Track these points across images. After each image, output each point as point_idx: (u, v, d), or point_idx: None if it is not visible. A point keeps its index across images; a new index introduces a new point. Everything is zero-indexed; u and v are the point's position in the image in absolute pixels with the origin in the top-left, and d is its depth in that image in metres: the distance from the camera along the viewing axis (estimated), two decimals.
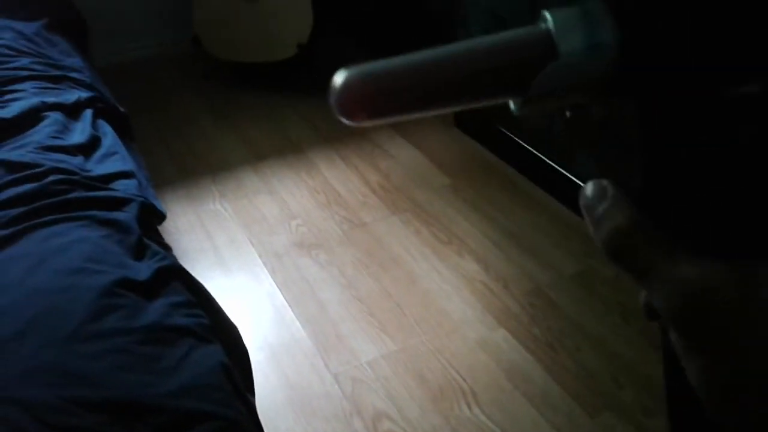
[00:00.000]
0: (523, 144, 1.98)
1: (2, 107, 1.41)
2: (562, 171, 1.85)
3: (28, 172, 1.21)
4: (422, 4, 2.32)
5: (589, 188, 0.26)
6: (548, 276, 1.67)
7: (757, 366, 0.21)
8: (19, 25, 1.79)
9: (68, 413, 0.82)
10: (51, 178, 1.20)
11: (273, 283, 1.70)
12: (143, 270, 1.07)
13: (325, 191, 2.01)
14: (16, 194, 1.16)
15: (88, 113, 1.49)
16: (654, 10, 0.22)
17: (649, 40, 0.22)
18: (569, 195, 1.84)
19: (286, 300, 1.65)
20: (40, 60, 1.66)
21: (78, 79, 1.62)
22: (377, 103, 0.24)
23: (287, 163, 2.14)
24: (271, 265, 1.76)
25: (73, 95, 1.52)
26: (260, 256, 1.79)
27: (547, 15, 0.23)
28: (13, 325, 0.93)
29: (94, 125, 1.46)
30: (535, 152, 1.94)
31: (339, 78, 0.24)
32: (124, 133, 1.58)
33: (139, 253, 1.12)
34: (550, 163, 1.89)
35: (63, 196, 1.17)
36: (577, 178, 1.81)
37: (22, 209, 1.12)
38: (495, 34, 0.24)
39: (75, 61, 1.75)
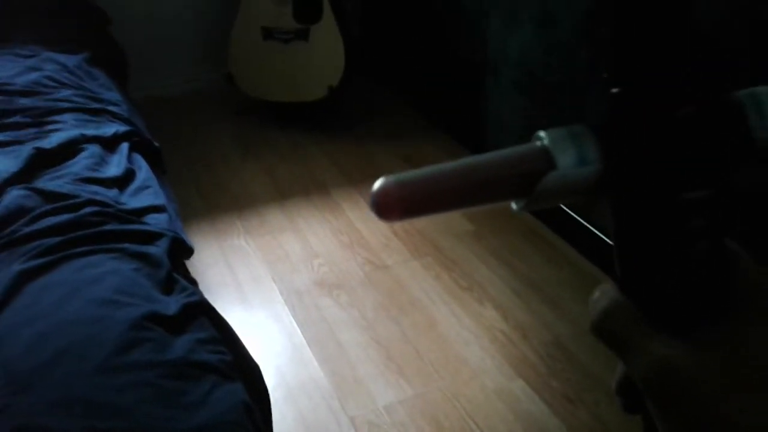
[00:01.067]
0: None
1: (43, 137, 1.45)
2: (585, 223, 1.86)
3: (66, 202, 1.24)
4: (452, 52, 2.37)
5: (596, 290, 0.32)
6: (568, 328, 1.66)
7: None
8: (62, 58, 1.86)
9: None
10: (87, 209, 1.23)
11: (293, 322, 1.71)
12: (171, 305, 1.09)
13: (349, 232, 2.03)
14: (53, 224, 1.19)
15: (125, 147, 1.53)
16: (626, 138, 0.28)
17: (623, 159, 0.28)
18: (591, 247, 1.84)
19: (305, 339, 1.66)
20: (81, 93, 1.71)
21: (116, 113, 1.67)
22: (409, 205, 0.28)
23: (312, 203, 2.17)
24: (292, 303, 1.78)
25: (111, 128, 1.56)
26: (281, 294, 1.81)
27: (543, 134, 0.29)
28: (45, 353, 0.95)
29: (129, 158, 1.50)
30: (569, 211, 1.95)
31: (378, 184, 0.28)
32: (156, 166, 1.61)
33: (167, 287, 1.14)
34: (573, 214, 1.90)
35: (97, 228, 1.20)
36: (600, 231, 1.81)
37: (58, 239, 1.15)
38: (505, 149, 0.29)
39: (114, 95, 1.80)
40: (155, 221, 1.31)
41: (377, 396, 1.50)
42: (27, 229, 1.18)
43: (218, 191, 2.23)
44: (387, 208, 0.28)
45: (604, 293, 0.31)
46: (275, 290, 1.82)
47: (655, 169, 0.28)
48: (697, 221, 0.28)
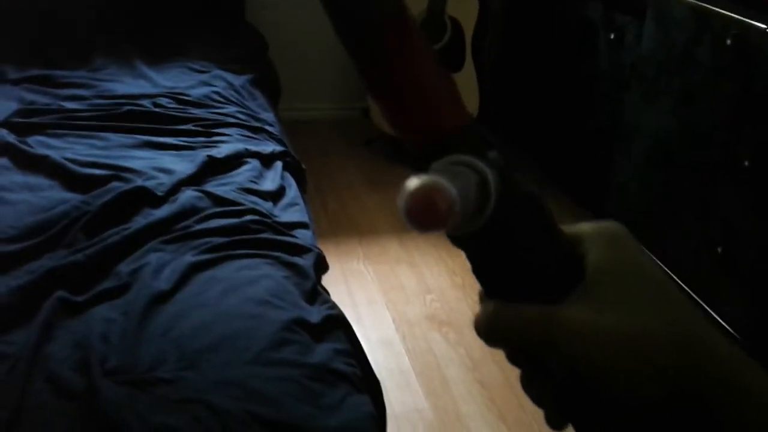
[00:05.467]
0: (665, 269, 2.00)
1: (213, 146, 1.62)
2: (705, 306, 1.86)
3: (231, 208, 1.39)
4: (586, 117, 2.43)
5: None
6: None
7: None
8: (230, 76, 2.05)
9: (247, 426, 0.94)
10: (248, 217, 1.37)
11: (402, 350, 1.80)
12: (314, 314, 1.20)
13: (462, 274, 2.11)
14: (220, 225, 1.33)
15: (279, 165, 1.68)
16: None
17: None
18: None
19: (412, 367, 1.74)
20: (244, 110, 1.89)
21: (272, 133, 1.83)
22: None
23: (430, 241, 2.27)
24: (403, 331, 1.87)
25: (269, 147, 1.72)
26: (394, 321, 1.90)
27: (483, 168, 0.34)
28: (209, 338, 1.07)
29: (282, 176, 1.65)
30: (677, 280, 1.96)
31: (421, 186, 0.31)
32: (300, 185, 1.76)
33: (312, 297, 1.26)
34: (692, 294, 1.90)
35: (256, 235, 1.33)
36: (721, 317, 1.81)
37: (223, 239, 1.30)
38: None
39: (270, 115, 1.97)
40: (302, 236, 1.44)
41: None
42: (198, 227, 1.32)
43: (343, 216, 2.37)
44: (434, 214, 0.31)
45: (485, 306, 0.37)
46: (389, 318, 1.92)
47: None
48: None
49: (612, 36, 2.21)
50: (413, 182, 0.31)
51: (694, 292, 1.88)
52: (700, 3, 1.80)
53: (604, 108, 2.30)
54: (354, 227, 2.31)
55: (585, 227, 0.39)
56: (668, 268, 1.99)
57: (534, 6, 2.82)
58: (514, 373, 1.59)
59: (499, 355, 1.94)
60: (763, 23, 1.60)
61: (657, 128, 2.02)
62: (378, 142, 2.79)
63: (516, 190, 0.36)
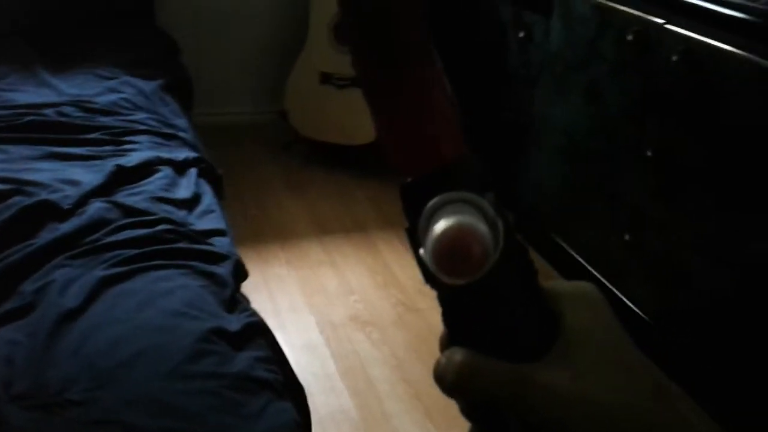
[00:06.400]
0: (576, 257, 2.07)
1: (123, 155, 1.57)
2: (615, 291, 1.94)
3: (143, 218, 1.35)
4: (499, 113, 2.48)
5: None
6: None
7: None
8: (139, 82, 1.99)
9: None
10: (161, 227, 1.34)
11: (327, 353, 1.79)
12: (234, 322, 1.18)
13: (384, 273, 2.12)
14: (131, 237, 1.29)
15: (193, 172, 1.64)
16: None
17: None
18: (623, 317, 1.91)
19: (337, 370, 1.74)
20: (155, 117, 1.84)
21: (185, 139, 1.79)
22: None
23: (351, 241, 2.27)
24: (327, 334, 1.86)
25: (182, 153, 1.68)
26: (317, 324, 1.89)
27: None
28: (123, 354, 1.04)
29: (196, 183, 1.61)
30: (589, 267, 2.03)
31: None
32: (217, 192, 1.72)
33: (231, 306, 1.23)
34: (603, 280, 1.97)
35: (171, 245, 1.30)
36: (630, 301, 1.89)
37: (135, 251, 1.26)
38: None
39: (182, 121, 1.93)
40: (220, 244, 1.41)
41: None
42: (108, 240, 1.28)
43: (263, 221, 2.34)
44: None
45: (452, 355, 0.35)
46: (312, 321, 1.91)
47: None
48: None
49: (522, 34, 2.26)
50: (443, 224, 0.29)
51: (605, 278, 1.95)
52: (603, 0, 1.86)
53: (517, 104, 2.36)
54: (275, 232, 2.29)
55: (564, 285, 0.38)
56: (581, 257, 2.06)
57: (448, 8, 2.86)
58: None
59: (424, 352, 1.95)
60: (661, 19, 1.67)
61: (567, 122, 2.09)
62: (296, 145, 2.77)
63: (511, 240, 0.34)
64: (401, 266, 2.14)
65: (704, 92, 1.56)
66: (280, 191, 2.53)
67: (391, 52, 0.34)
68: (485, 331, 0.35)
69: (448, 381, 0.35)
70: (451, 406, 1.47)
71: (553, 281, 0.38)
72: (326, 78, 2.57)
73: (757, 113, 1.45)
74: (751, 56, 1.43)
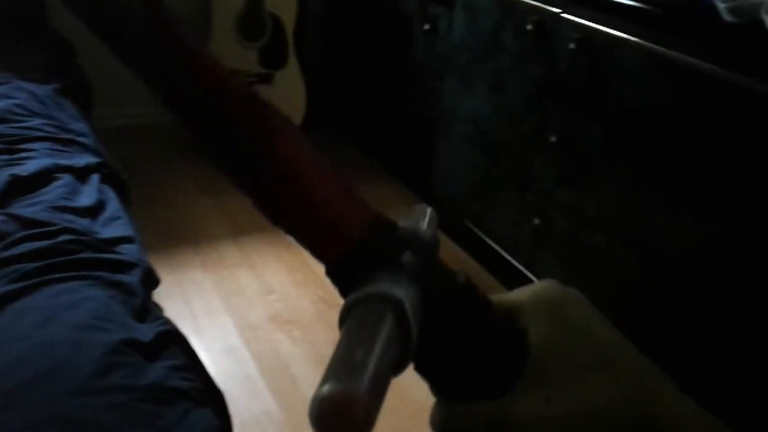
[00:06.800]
0: (490, 243, 2.12)
1: (18, 164, 1.49)
2: (527, 273, 1.99)
3: (42, 229, 1.29)
4: (409, 106, 2.51)
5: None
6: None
7: None
8: (33, 87, 1.90)
9: None
10: (63, 237, 1.28)
11: (247, 355, 1.77)
12: (145, 332, 1.15)
13: (303, 270, 2.11)
14: (30, 250, 1.23)
15: (95, 178, 1.58)
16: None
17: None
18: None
19: (258, 371, 1.72)
20: (51, 122, 1.76)
21: (85, 144, 1.72)
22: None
23: (268, 240, 2.24)
24: (246, 336, 1.83)
25: (82, 159, 1.61)
26: (236, 327, 1.86)
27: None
28: (25, 374, 0.99)
29: (99, 190, 1.56)
30: (503, 253, 2.08)
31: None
32: (123, 198, 1.67)
33: (141, 315, 1.20)
34: (517, 265, 2.03)
35: (74, 256, 1.25)
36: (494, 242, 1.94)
37: (35, 264, 1.20)
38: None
39: (81, 126, 1.85)
40: (127, 251, 1.36)
41: None
42: (5, 254, 1.21)
43: (175, 225, 2.28)
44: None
45: (434, 407, 0.37)
46: (230, 324, 1.87)
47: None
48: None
49: (427, 27, 2.29)
50: (325, 389, 0.27)
51: (519, 263, 2.01)
52: None
53: (426, 96, 2.38)
54: (188, 235, 2.23)
55: (522, 296, 0.37)
56: (495, 243, 2.11)
57: (353, 0, 2.85)
58: None
59: None
60: (557, 8, 1.73)
61: (474, 112, 2.13)
62: None
63: (443, 286, 0.34)
64: (320, 263, 2.13)
65: (600, 78, 1.63)
66: (191, 192, 2.47)
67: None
68: (456, 378, 0.36)
69: None
70: None
71: (514, 291, 0.38)
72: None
73: (648, 96, 1.51)
74: (642, 42, 1.50)
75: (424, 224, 0.40)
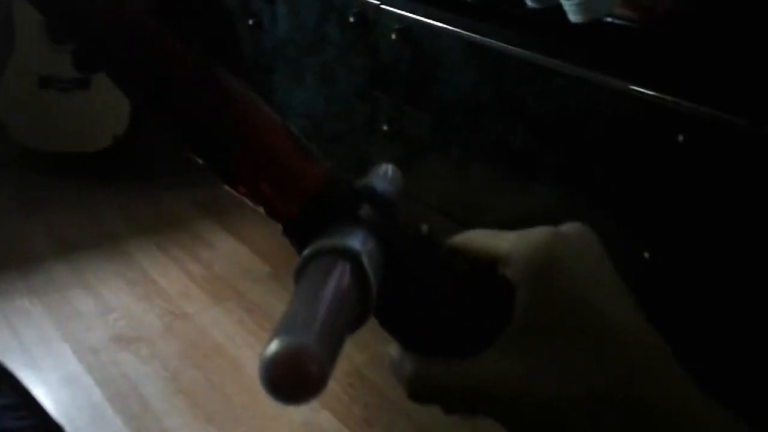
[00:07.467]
0: None
1: None
2: None
3: None
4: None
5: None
6: (365, 357, 1.80)
7: None
8: None
9: None
10: None
11: (90, 382, 1.66)
12: None
13: (144, 283, 2.01)
14: None
15: None
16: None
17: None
18: None
19: (105, 397, 1.62)
20: None
21: None
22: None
23: (103, 256, 2.11)
24: (88, 362, 1.72)
25: None
26: (75, 353, 1.74)
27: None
28: None
29: None
30: None
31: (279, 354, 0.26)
32: None
33: None
34: None
35: None
36: None
37: None
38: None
39: None
40: None
41: None
42: None
43: None
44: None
45: (402, 363, 0.34)
46: (68, 350, 1.75)
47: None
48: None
49: (251, 21, 2.24)
50: (273, 346, 0.26)
51: None
52: None
53: (258, 92, 2.33)
54: (12, 259, 2.05)
55: (519, 246, 0.33)
56: None
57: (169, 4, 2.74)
58: (216, 371, 1.58)
59: (198, 357, 1.89)
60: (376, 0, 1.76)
61: (306, 105, 2.13)
62: (23, 159, 2.50)
63: (404, 240, 0.33)
64: (162, 273, 2.04)
65: (421, 67, 1.68)
66: (14, 213, 2.27)
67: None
68: (424, 331, 0.34)
69: (407, 392, 0.34)
70: (232, 403, 1.46)
71: (510, 235, 0.34)
72: (46, 82, 2.34)
73: (471, 83, 1.58)
74: (458, 30, 1.56)
75: (386, 180, 0.41)
